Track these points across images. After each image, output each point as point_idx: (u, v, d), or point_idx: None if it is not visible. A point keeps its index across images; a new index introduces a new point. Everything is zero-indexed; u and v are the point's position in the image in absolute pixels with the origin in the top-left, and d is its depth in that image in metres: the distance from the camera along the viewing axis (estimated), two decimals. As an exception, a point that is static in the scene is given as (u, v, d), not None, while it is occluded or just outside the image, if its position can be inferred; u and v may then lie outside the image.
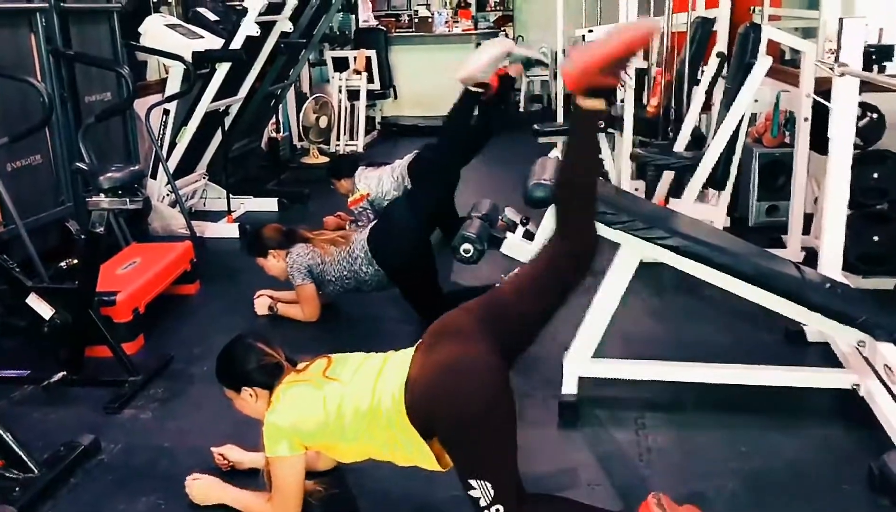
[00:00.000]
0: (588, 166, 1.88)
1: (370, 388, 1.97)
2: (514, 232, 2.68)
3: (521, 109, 9.61)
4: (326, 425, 1.97)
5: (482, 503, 1.84)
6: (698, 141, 4.73)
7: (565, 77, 1.77)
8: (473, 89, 3.70)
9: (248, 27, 4.66)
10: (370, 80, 7.90)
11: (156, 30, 4.68)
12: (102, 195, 2.70)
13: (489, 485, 1.83)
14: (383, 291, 3.49)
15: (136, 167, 2.80)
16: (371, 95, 7.98)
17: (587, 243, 1.91)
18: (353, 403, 1.97)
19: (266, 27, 5.05)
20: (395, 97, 8.87)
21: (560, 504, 2.04)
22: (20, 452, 2.27)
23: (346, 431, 1.97)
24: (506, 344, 1.91)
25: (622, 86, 1.78)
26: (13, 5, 3.70)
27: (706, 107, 4.80)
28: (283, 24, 5.27)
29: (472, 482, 1.84)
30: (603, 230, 2.50)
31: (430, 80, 9.16)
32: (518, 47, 4.40)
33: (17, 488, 2.22)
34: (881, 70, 4.40)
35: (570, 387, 2.63)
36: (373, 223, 3.63)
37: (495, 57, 3.49)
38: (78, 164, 3.10)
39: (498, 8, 9.90)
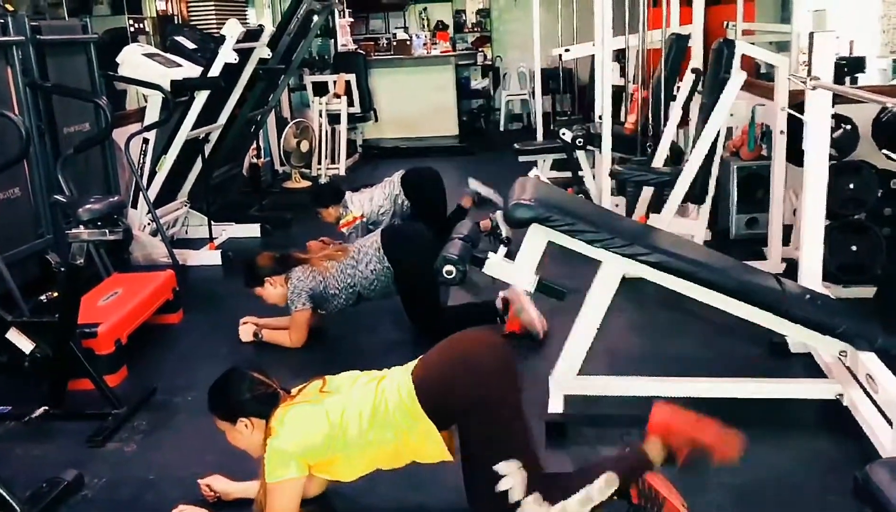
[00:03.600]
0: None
1: (372, 392, 2.03)
2: (496, 239, 2.71)
3: (502, 128, 9.68)
4: (332, 436, 1.99)
5: (515, 496, 1.87)
6: (677, 156, 4.79)
7: (654, 415, 2.04)
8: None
9: (226, 55, 4.66)
10: (350, 103, 7.93)
11: (133, 59, 4.67)
12: (82, 227, 2.68)
13: (517, 464, 1.88)
14: (387, 297, 3.50)
15: (116, 198, 2.78)
16: (352, 119, 8.01)
17: None
18: (356, 408, 2.01)
19: (244, 54, 5.06)
20: (376, 120, 8.90)
21: (576, 475, 2.08)
22: (2, 491, 2.24)
23: (352, 439, 1.99)
24: None
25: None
26: (-11, 39, 3.69)
27: (683, 122, 4.86)
28: (262, 50, 5.29)
29: (501, 467, 1.88)
30: (584, 248, 2.52)
31: (409, 102, 9.22)
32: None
33: (-1, 527, 2.19)
34: (853, 81, 4.49)
35: (556, 406, 2.64)
36: (382, 228, 3.66)
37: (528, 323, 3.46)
38: (56, 196, 3.08)
39: (475, 29, 9.99)
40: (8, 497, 2.25)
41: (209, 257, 4.86)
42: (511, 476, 1.87)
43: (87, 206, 2.66)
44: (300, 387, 2.15)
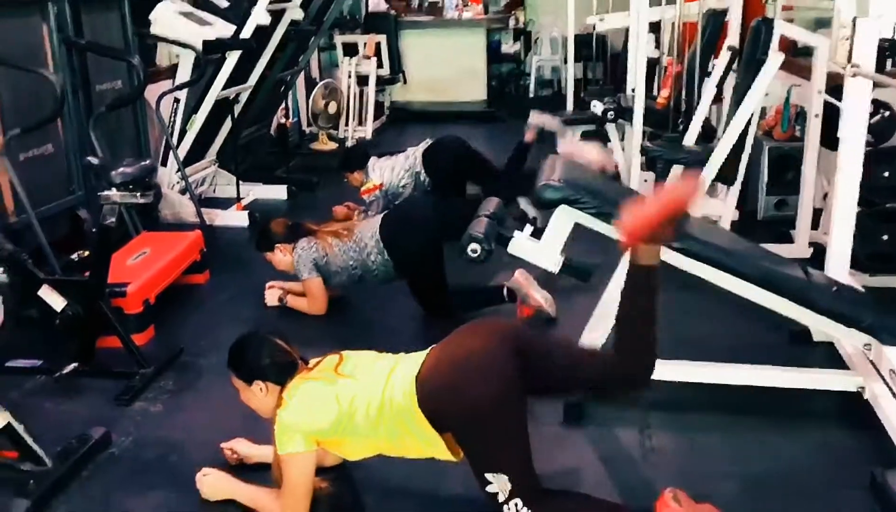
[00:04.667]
0: (643, 316, 1.96)
1: (382, 383, 2.02)
2: (524, 223, 2.70)
3: (532, 94, 9.58)
4: (339, 421, 2.01)
5: (500, 498, 1.89)
6: (708, 133, 4.72)
7: (624, 232, 1.89)
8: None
9: (259, 16, 4.65)
10: (380, 65, 7.88)
11: (166, 17, 4.67)
12: (114, 189, 2.73)
13: (505, 478, 1.88)
14: (389, 282, 3.51)
15: (147, 162, 2.82)
16: (380, 80, 7.96)
17: (642, 370, 1.99)
18: (365, 398, 2.01)
19: (276, 15, 5.04)
20: (405, 82, 8.84)
21: (577, 499, 2.09)
22: (34, 446, 2.31)
23: (359, 427, 2.01)
24: (519, 366, 1.96)
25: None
26: (26, -5, 3.71)
27: (717, 99, 4.78)
28: (294, 11, 5.26)
29: (489, 476, 1.89)
30: (609, 231, 2.51)
31: (439, 66, 9.12)
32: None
33: (30, 481, 2.26)
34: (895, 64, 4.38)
35: (575, 386, 2.65)
36: (384, 213, 3.66)
37: (597, 160, 3.43)
38: (89, 158, 3.12)
39: (509, -8, 9.83)
40: (39, 452, 2.32)
41: (236, 218, 4.90)
42: (496, 484, 1.89)
43: (120, 169, 2.70)
44: (318, 360, 2.18)
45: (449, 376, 1.95)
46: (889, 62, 4.29)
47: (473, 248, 2.53)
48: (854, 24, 2.71)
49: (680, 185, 1.93)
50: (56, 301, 2.95)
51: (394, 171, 4.56)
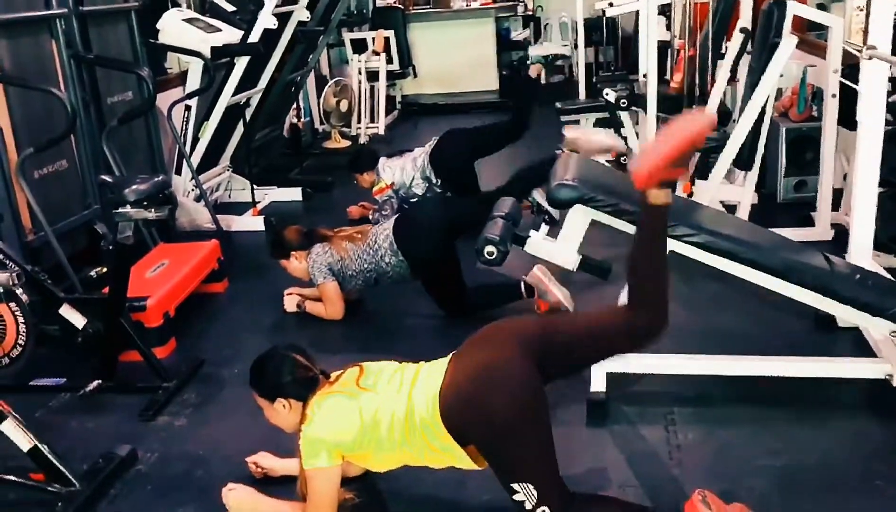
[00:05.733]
0: (657, 257, 1.96)
1: (406, 396, 2.02)
2: (539, 215, 2.69)
3: (543, 81, 9.50)
4: (364, 435, 2.01)
5: (528, 506, 1.89)
6: (723, 116, 4.65)
7: (636, 177, 1.87)
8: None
9: (265, 20, 4.64)
10: (389, 60, 7.85)
11: (173, 26, 4.67)
12: (129, 206, 2.73)
13: (531, 486, 1.88)
14: (403, 282, 3.51)
15: (160, 178, 2.82)
16: (391, 75, 7.94)
17: (657, 320, 1.99)
18: (389, 411, 2.01)
19: (283, 18, 5.03)
20: (415, 76, 8.80)
21: (605, 503, 2.08)
22: (61, 467, 2.32)
23: (384, 440, 2.01)
24: (540, 364, 1.94)
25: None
26: (33, 13, 3.71)
27: (731, 80, 4.71)
28: (300, 13, 5.25)
29: (515, 486, 1.89)
30: (628, 228, 2.49)
31: (449, 57, 9.08)
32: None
33: (59, 503, 2.27)
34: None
35: (598, 384, 2.63)
36: (397, 215, 3.65)
37: (605, 146, 3.42)
38: (103, 177, 3.13)
39: (516, -21, 9.74)
40: (66, 472, 2.34)
41: (252, 223, 4.91)
42: (523, 493, 1.89)
43: (133, 186, 2.70)
44: (338, 373, 2.17)
45: (469, 392, 1.94)
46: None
47: (490, 251, 2.53)
48: (868, 4, 2.65)
49: (688, 121, 1.87)
50: (77, 319, 2.97)
51: (404, 171, 4.57)
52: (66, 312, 2.97)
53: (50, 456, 2.32)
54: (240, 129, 5.27)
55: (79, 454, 2.54)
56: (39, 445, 2.30)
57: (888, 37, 2.61)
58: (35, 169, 3.67)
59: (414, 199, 4.59)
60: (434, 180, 4.53)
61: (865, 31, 2.68)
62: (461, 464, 2.02)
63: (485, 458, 1.97)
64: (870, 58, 2.64)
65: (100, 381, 2.92)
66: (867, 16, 2.66)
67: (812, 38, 4.75)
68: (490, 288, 3.52)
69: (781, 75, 3.85)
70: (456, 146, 4.58)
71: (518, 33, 9.79)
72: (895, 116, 3.58)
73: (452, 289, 3.43)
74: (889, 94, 3.44)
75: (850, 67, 3.61)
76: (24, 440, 2.28)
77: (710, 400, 2.68)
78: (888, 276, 2.87)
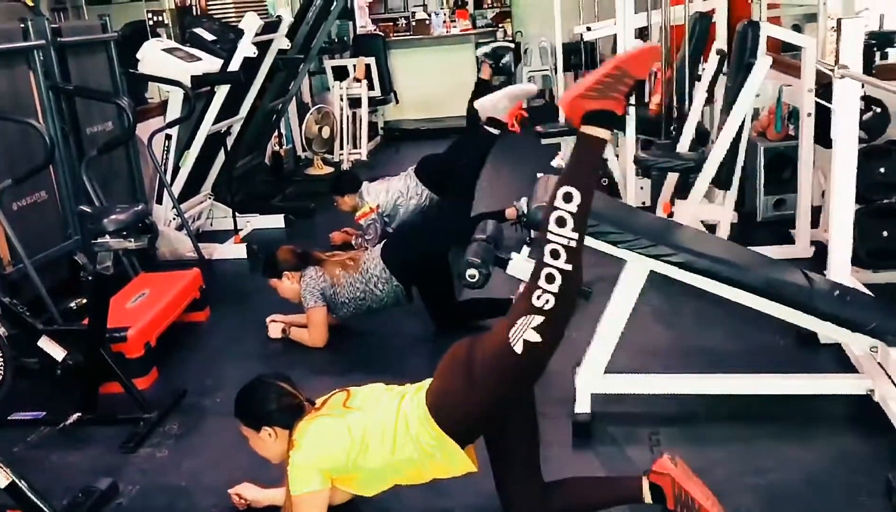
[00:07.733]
0: (585, 186, 1.85)
1: (394, 413, 2.03)
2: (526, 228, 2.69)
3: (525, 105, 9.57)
4: (353, 453, 2.01)
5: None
6: (702, 136, 4.70)
7: (561, 106, 1.81)
8: (489, 128, 3.51)
9: (245, 49, 4.66)
10: (371, 87, 7.89)
11: (153, 55, 4.67)
12: (108, 237, 2.71)
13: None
14: (397, 306, 3.51)
15: (140, 207, 2.81)
16: (372, 102, 7.98)
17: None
18: (378, 426, 2.02)
19: (263, 46, 5.05)
20: (397, 102, 8.85)
21: (571, 486, 2.13)
22: (40, 503, 2.27)
23: (375, 457, 2.01)
24: None
25: (626, 113, 1.85)
26: (11, 45, 3.70)
27: (708, 100, 4.77)
28: (280, 41, 5.27)
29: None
30: (608, 249, 2.50)
31: (430, 82, 9.14)
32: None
33: (38, 540, 2.23)
34: (884, 56, 4.38)
35: (583, 405, 2.63)
36: (385, 240, 3.67)
37: (514, 95, 3.44)
38: (82, 207, 3.11)
39: (495, 4, 9.85)
40: (45, 509, 2.28)
41: (235, 251, 4.89)
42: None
43: (113, 216, 2.69)
44: (324, 398, 2.17)
45: (455, 391, 1.97)
46: (878, 56, 4.31)
47: (471, 274, 2.53)
48: (839, 25, 2.70)
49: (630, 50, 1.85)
50: (56, 351, 2.94)
51: (388, 193, 4.56)
52: (46, 344, 2.94)
53: (28, 493, 2.27)
54: (221, 157, 5.27)
55: (59, 489, 2.48)
56: (18, 481, 2.24)
57: (859, 56, 2.66)
58: (14, 200, 3.65)
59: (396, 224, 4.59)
60: (423, 195, 4.52)
61: (837, 51, 2.72)
62: (457, 468, 2.02)
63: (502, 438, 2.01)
64: (841, 77, 2.68)
65: (80, 413, 2.89)
66: (838, 36, 2.70)
67: (787, 58, 4.82)
68: (481, 302, 3.55)
69: (758, 95, 3.91)
70: (436, 156, 4.66)
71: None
72: (869, 134, 3.63)
73: (444, 300, 3.50)
74: (862, 112, 3.50)
75: (824, 87, 3.67)
76: (1, 476, 2.24)
77: (694, 419, 2.68)
78: (867, 291, 2.89)
